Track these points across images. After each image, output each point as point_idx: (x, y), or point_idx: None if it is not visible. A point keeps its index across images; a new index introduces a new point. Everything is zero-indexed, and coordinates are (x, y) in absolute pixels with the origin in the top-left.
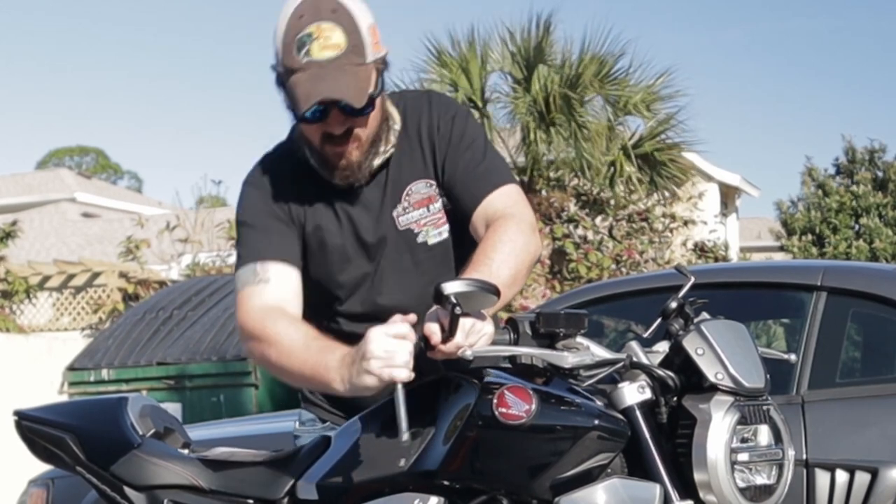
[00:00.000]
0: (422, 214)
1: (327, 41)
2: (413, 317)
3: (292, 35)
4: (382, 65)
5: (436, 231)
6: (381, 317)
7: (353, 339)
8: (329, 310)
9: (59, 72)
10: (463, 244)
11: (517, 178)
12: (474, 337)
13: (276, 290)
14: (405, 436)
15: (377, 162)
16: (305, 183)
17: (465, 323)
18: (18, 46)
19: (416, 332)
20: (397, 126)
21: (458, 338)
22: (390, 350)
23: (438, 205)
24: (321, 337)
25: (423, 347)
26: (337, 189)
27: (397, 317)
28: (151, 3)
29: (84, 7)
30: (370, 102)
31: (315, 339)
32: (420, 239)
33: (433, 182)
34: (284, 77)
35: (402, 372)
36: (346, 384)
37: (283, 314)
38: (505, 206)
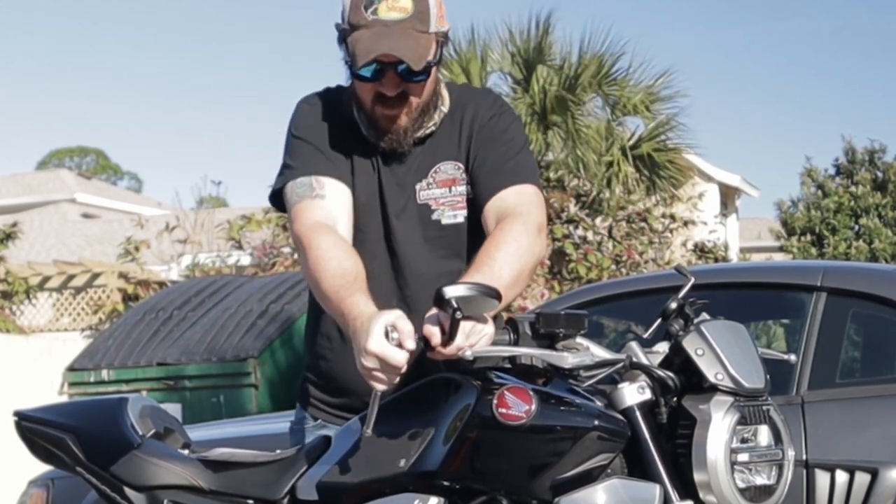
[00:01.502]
0: (443, 194)
1: (395, 3)
2: (412, 346)
3: None
4: (444, 39)
5: (451, 213)
6: (397, 274)
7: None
8: None
9: (59, 72)
10: (478, 236)
11: (541, 183)
12: (474, 338)
13: (330, 206)
14: (369, 431)
15: (420, 134)
16: (351, 132)
17: (464, 325)
18: (18, 46)
19: (415, 334)
20: (445, 108)
21: (459, 340)
22: (383, 368)
23: (461, 189)
24: (350, 273)
25: (424, 347)
26: (375, 149)
27: (405, 333)
28: (151, 3)
29: (84, 7)
30: (426, 70)
31: (343, 276)
32: (434, 216)
33: (461, 165)
34: (348, 33)
35: (385, 388)
36: (348, 337)
37: (332, 232)
38: (517, 203)
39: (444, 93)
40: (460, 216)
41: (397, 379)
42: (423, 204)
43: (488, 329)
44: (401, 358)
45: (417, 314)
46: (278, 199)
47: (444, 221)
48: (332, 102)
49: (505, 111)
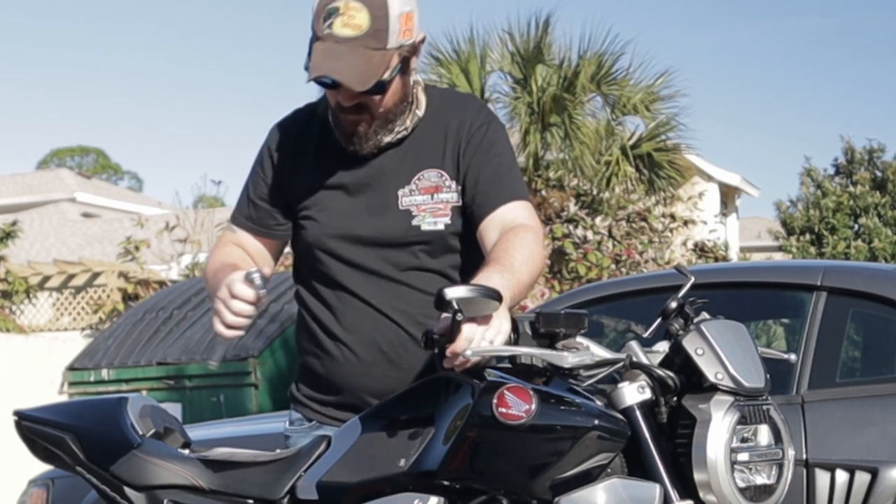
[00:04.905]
0: (424, 200)
1: (350, 20)
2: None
3: (324, 4)
4: (410, 51)
5: (432, 219)
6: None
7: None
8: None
9: (59, 72)
10: (467, 249)
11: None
12: (492, 334)
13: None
14: (214, 364)
15: (387, 139)
16: (325, 141)
17: (467, 328)
18: (18, 46)
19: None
20: (420, 112)
21: (459, 343)
22: (229, 300)
23: (443, 196)
24: (234, 258)
25: (436, 351)
26: (351, 152)
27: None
28: (151, 3)
29: (84, 7)
30: (378, 88)
31: (223, 262)
32: (415, 222)
33: (444, 174)
34: (312, 40)
35: (224, 330)
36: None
37: (233, 243)
38: (524, 217)
39: (422, 97)
40: (440, 223)
41: (238, 321)
42: (405, 210)
43: (505, 326)
44: (245, 291)
45: (410, 321)
46: None
47: (424, 227)
48: (307, 117)
49: (493, 120)
